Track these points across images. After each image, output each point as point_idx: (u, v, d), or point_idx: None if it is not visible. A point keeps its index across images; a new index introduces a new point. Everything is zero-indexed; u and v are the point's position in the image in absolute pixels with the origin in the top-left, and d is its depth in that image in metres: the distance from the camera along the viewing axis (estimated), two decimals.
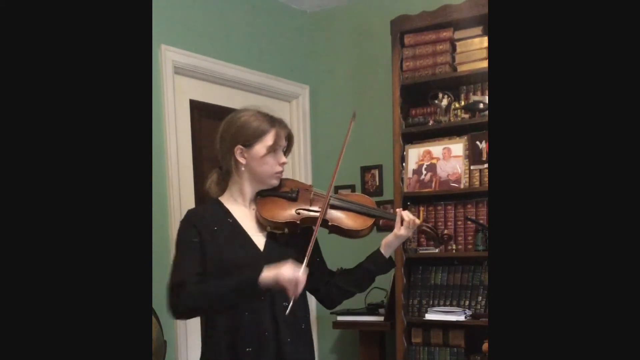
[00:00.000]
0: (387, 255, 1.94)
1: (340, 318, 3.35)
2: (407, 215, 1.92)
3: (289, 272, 1.68)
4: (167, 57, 2.90)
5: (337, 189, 3.55)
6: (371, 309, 3.29)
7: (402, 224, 1.91)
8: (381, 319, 3.22)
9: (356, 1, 3.65)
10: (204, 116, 3.22)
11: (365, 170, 3.62)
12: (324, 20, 3.76)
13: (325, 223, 1.88)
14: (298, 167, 3.70)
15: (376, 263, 1.94)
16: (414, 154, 3.11)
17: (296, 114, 3.72)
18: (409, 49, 3.11)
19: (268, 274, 1.69)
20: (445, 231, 2.09)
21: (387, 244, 1.94)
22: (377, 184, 3.59)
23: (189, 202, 3.07)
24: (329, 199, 1.90)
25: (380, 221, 1.96)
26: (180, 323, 2.97)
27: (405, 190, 3.10)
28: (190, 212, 1.90)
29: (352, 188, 3.62)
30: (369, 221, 1.92)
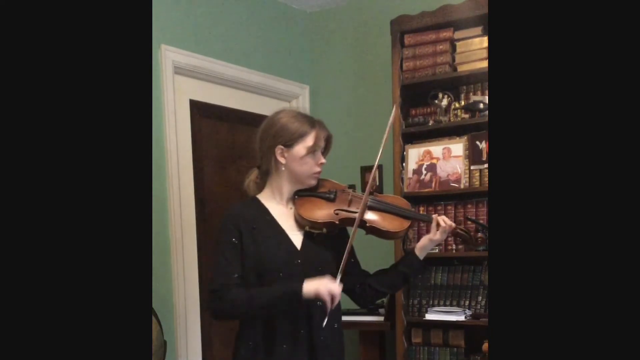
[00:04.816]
0: (421, 258, 1.99)
1: None
2: (443, 220, 1.97)
3: (327, 287, 1.77)
4: (167, 57, 2.90)
5: None
6: (371, 309, 3.28)
7: (437, 229, 1.96)
8: (381, 319, 3.22)
9: (356, 1, 3.64)
10: (204, 116, 3.22)
11: (365, 170, 3.61)
12: (324, 20, 3.76)
13: (363, 224, 1.92)
14: None
15: (411, 266, 2.00)
16: (414, 154, 3.11)
17: None
18: (409, 49, 3.11)
19: (309, 287, 1.77)
20: (480, 234, 2.09)
21: (422, 247, 1.99)
22: (377, 183, 3.58)
23: (189, 202, 3.07)
24: (367, 201, 1.93)
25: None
26: (180, 323, 2.97)
27: (405, 190, 3.09)
28: (229, 212, 1.93)
29: (353, 188, 3.60)
30: (406, 223, 1.97)
